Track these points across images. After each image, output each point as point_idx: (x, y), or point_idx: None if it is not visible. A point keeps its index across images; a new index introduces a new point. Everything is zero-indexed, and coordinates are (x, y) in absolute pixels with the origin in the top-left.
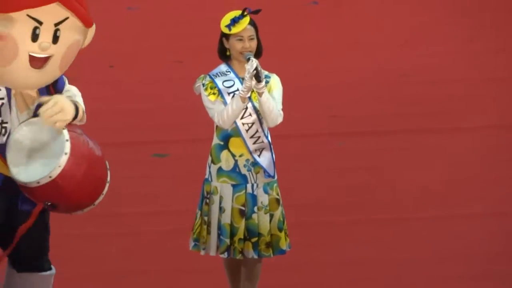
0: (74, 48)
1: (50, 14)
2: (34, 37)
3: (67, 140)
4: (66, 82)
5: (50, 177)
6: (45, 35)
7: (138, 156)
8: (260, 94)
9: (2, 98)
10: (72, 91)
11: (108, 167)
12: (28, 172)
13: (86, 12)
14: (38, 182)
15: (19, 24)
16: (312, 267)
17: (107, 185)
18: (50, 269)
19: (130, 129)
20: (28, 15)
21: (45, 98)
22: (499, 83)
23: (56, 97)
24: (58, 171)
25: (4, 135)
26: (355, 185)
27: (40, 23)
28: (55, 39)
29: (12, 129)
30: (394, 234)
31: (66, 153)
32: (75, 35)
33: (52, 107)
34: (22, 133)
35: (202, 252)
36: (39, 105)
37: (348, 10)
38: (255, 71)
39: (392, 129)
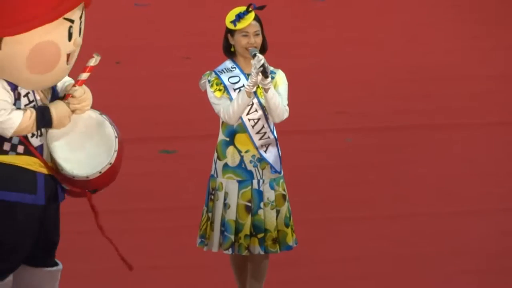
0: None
1: (77, 10)
2: (69, 36)
3: (116, 137)
4: None
5: (110, 163)
6: (76, 31)
7: (146, 153)
8: (266, 90)
9: (33, 101)
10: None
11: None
12: (84, 165)
13: None
14: (100, 172)
15: (58, 28)
16: (318, 263)
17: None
18: (57, 264)
19: (137, 126)
20: (64, 18)
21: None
22: (506, 80)
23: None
24: (115, 156)
25: (41, 135)
26: (362, 181)
27: (73, 21)
28: (80, 31)
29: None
30: (401, 230)
31: (116, 137)
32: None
33: (82, 95)
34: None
35: (205, 249)
36: (55, 93)
37: (354, 7)
38: (261, 68)
39: (398, 125)
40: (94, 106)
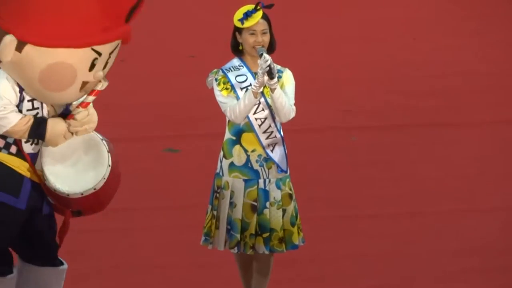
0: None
1: (109, 45)
2: (92, 66)
3: (108, 152)
4: None
5: (95, 189)
6: (100, 64)
7: (150, 151)
8: (272, 90)
9: (38, 108)
10: None
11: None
12: (67, 182)
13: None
14: (82, 194)
15: (82, 56)
16: (324, 261)
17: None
18: (62, 264)
19: (141, 124)
20: (92, 49)
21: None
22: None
23: (90, 107)
24: (102, 183)
25: (37, 144)
26: (368, 179)
27: (100, 54)
28: (106, 65)
29: None
30: (407, 228)
31: (109, 165)
32: (116, 54)
33: (84, 118)
34: None
35: (210, 247)
36: (66, 110)
37: (360, 4)
38: (268, 68)
39: (404, 123)
40: (98, 104)
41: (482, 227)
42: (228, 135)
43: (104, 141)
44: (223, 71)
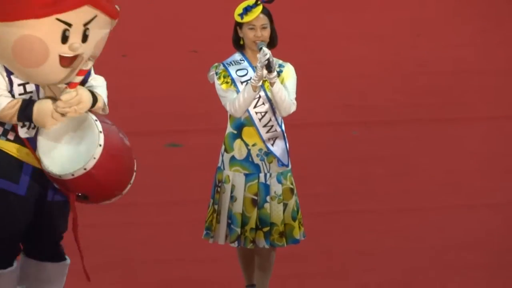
0: (103, 41)
1: (79, 15)
2: (64, 38)
3: (100, 132)
4: (92, 71)
5: (85, 169)
6: (75, 36)
7: (152, 146)
8: (272, 84)
9: (31, 92)
10: (97, 80)
11: (134, 156)
12: (61, 164)
13: (112, 7)
14: (73, 174)
15: (49, 27)
16: (325, 256)
17: (134, 174)
18: (64, 259)
19: (144, 119)
20: (57, 19)
21: (68, 90)
22: None
23: (78, 88)
24: (92, 163)
25: (34, 128)
26: (369, 174)
27: (70, 25)
28: (85, 38)
29: None
30: (408, 223)
31: (100, 145)
32: (104, 29)
33: (72, 99)
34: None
35: (211, 241)
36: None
37: (363, 1)
38: (266, 61)
39: (406, 118)
40: None
41: (484, 222)
42: (229, 129)
43: (97, 121)
44: (224, 65)
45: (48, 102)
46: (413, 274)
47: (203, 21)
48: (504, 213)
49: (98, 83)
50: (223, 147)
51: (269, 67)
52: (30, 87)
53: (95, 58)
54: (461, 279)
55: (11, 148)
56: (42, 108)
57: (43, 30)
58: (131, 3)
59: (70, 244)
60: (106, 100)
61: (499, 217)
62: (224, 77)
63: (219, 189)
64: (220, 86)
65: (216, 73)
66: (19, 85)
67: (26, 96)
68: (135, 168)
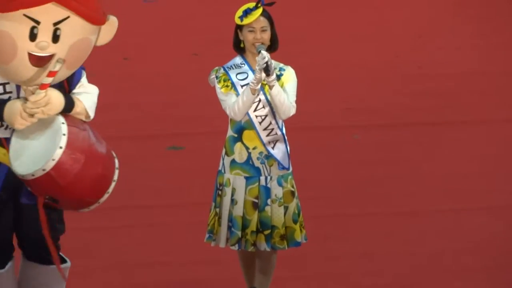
0: (81, 46)
1: (48, 13)
2: (32, 36)
3: (64, 135)
4: (83, 78)
5: (44, 170)
6: (44, 34)
7: (153, 149)
8: (270, 87)
9: (10, 92)
10: (85, 88)
11: (117, 166)
12: (25, 164)
13: (88, 10)
14: (33, 175)
15: (16, 23)
16: (326, 259)
17: (113, 183)
18: (64, 262)
19: (145, 122)
20: (24, 15)
21: (38, 91)
22: None
23: (48, 90)
24: (51, 164)
25: (11, 128)
26: (371, 177)
27: (38, 22)
28: (55, 38)
29: None
30: (409, 227)
31: (61, 147)
32: (81, 33)
33: (40, 99)
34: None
35: (213, 244)
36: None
37: (364, 3)
38: (265, 64)
39: (407, 121)
40: (101, 103)
41: (485, 226)
42: (230, 132)
43: (64, 124)
44: (224, 69)
45: (18, 103)
46: (413, 277)
47: (205, 24)
48: (505, 217)
49: (86, 90)
50: (223, 150)
51: (267, 70)
52: (10, 87)
53: (78, 64)
54: (462, 283)
55: None
56: (12, 107)
57: (10, 25)
58: (132, 6)
59: (72, 247)
60: (93, 107)
61: (501, 221)
62: (224, 80)
63: (220, 192)
64: (220, 90)
65: (217, 77)
66: None
67: (5, 96)
68: (114, 177)
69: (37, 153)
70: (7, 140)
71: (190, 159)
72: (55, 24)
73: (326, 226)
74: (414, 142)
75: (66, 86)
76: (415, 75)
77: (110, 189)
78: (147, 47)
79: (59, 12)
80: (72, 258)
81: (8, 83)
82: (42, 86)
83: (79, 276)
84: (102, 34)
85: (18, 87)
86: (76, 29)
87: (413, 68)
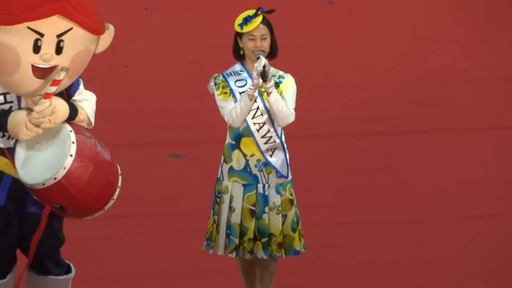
0: (83, 56)
1: (52, 26)
2: (36, 48)
3: (73, 143)
4: (81, 86)
5: (55, 178)
6: (48, 46)
7: (154, 157)
8: (268, 94)
9: (11, 102)
10: (84, 95)
11: (120, 172)
12: (33, 173)
13: (91, 22)
14: (44, 184)
15: (20, 36)
16: (326, 267)
17: (118, 190)
18: (67, 273)
19: (145, 130)
20: (28, 27)
21: (42, 100)
22: None
23: (53, 98)
24: (62, 172)
25: (13, 138)
26: (371, 185)
27: (41, 35)
28: (59, 50)
29: None
30: (410, 234)
31: (71, 155)
32: (82, 44)
33: (45, 109)
34: None
35: (211, 251)
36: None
37: (364, 11)
38: (262, 69)
39: (408, 129)
40: (102, 111)
41: (487, 233)
42: (228, 140)
43: (72, 132)
44: (223, 76)
45: (22, 113)
46: (414, 284)
47: (205, 32)
48: (505, 224)
49: (85, 97)
50: (222, 157)
51: (264, 75)
52: (11, 97)
53: (78, 74)
54: None
55: None
56: (15, 118)
57: (14, 38)
58: (132, 14)
59: (72, 254)
60: (92, 114)
61: (502, 228)
62: (223, 87)
63: (218, 199)
64: (219, 97)
65: (215, 84)
66: None
67: (6, 106)
68: (119, 184)
69: (45, 162)
70: (9, 150)
71: (191, 167)
72: (59, 36)
73: (326, 234)
74: (416, 149)
75: (65, 95)
76: (416, 82)
77: (115, 196)
78: (147, 55)
79: (62, 24)
80: (77, 266)
81: (8, 92)
82: (47, 95)
83: (81, 284)
84: (100, 43)
85: (18, 97)
86: (78, 40)
87: (414, 75)
